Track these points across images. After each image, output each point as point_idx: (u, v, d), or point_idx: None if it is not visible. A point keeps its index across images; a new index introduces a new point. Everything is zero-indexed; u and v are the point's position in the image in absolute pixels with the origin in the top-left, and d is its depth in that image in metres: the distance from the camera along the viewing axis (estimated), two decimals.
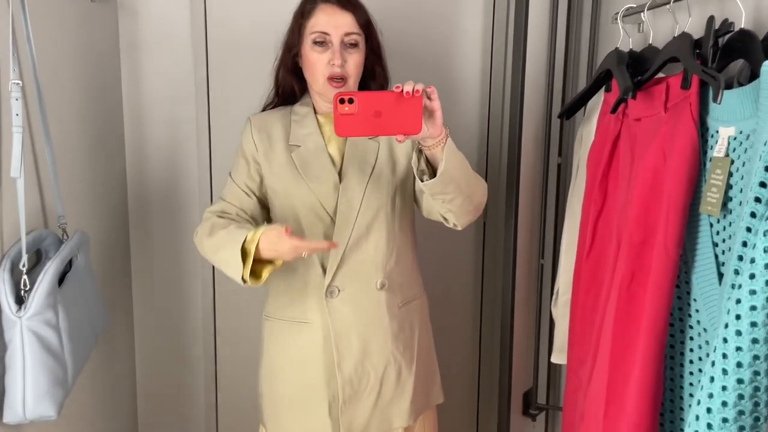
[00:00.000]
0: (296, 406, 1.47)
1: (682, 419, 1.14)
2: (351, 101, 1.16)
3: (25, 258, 1.18)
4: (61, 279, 1.26)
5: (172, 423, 2.05)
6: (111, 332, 1.77)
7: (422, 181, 1.28)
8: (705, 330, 1.07)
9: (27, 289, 1.17)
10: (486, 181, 1.98)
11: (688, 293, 1.11)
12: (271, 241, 1.26)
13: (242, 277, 1.27)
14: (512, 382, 1.86)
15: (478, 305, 2.04)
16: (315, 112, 1.47)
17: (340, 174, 1.42)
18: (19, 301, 1.16)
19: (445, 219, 1.39)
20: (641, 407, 1.10)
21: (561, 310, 1.72)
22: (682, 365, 1.13)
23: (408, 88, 1.15)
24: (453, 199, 1.32)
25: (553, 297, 1.79)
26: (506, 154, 1.83)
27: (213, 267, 1.96)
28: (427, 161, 1.28)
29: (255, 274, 1.30)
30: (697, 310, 1.08)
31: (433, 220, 1.43)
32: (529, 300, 1.90)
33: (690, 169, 1.06)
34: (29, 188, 1.28)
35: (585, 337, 1.42)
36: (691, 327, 1.11)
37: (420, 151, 1.28)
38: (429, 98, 1.18)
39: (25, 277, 1.17)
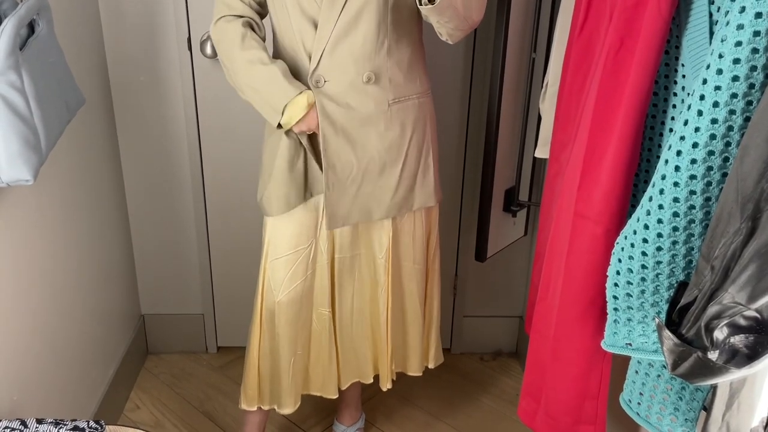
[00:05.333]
0: (286, 193, 1.49)
1: None
2: None
3: None
4: (23, 45, 1.21)
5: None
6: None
7: (420, 3, 1.26)
8: (689, 95, 1.04)
9: None
10: None
11: (677, 59, 1.06)
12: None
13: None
14: (495, 180, 1.87)
15: (466, 100, 1.99)
16: None
17: None
18: None
19: (439, 33, 1.38)
20: (615, 178, 1.10)
21: (548, 104, 1.68)
22: (661, 135, 1.11)
23: None
24: (448, 22, 1.31)
25: (542, 92, 1.74)
26: None
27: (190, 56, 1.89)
28: None
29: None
30: (684, 76, 1.04)
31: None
32: (517, 97, 1.85)
33: None
34: None
35: (569, 120, 1.39)
36: (675, 94, 1.07)
37: None
38: None
39: None
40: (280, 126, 1.41)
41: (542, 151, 1.73)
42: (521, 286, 2.22)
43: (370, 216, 1.51)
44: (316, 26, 1.37)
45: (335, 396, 1.69)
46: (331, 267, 1.58)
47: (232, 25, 1.41)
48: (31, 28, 1.26)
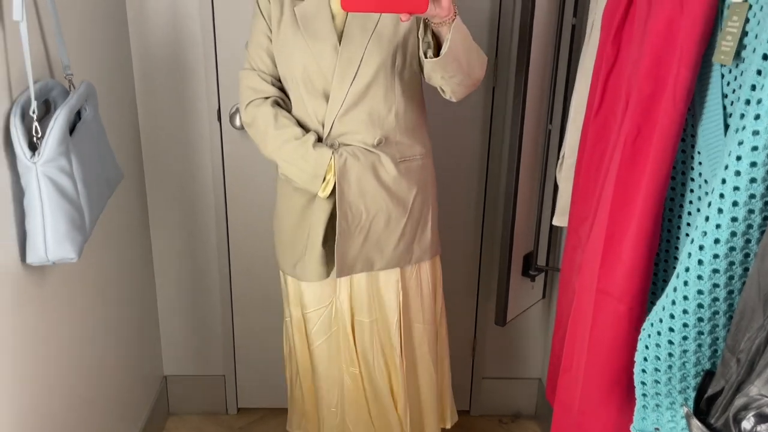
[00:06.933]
0: (298, 240, 1.57)
1: (675, 269, 1.19)
2: None
3: (34, 104, 1.18)
4: (71, 130, 1.28)
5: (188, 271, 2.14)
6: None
7: (426, 56, 1.35)
8: (706, 182, 1.09)
9: (39, 136, 1.19)
10: (497, 41, 1.94)
11: (693, 146, 1.11)
12: None
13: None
14: (513, 245, 1.91)
15: (484, 169, 2.06)
16: None
17: (342, 32, 1.43)
18: (32, 147, 1.18)
19: (442, 90, 1.47)
20: (637, 257, 1.14)
21: (565, 174, 1.74)
22: (680, 217, 1.16)
23: None
24: (453, 77, 1.39)
25: (559, 162, 1.80)
26: (518, 14, 1.77)
27: (220, 122, 1.97)
28: (433, 34, 1.33)
29: None
30: (700, 163, 1.10)
31: (432, 86, 1.48)
32: (534, 165, 1.92)
33: (706, 16, 1.02)
34: (32, 37, 1.27)
35: (588, 196, 1.45)
36: (692, 180, 1.12)
37: (427, 24, 1.32)
38: None
39: (36, 124, 1.19)
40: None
41: (560, 220, 1.78)
42: (540, 348, 2.24)
43: (372, 266, 1.57)
44: (326, 98, 1.45)
45: None
46: (352, 328, 1.64)
47: (262, 108, 1.49)
48: (78, 113, 1.34)
